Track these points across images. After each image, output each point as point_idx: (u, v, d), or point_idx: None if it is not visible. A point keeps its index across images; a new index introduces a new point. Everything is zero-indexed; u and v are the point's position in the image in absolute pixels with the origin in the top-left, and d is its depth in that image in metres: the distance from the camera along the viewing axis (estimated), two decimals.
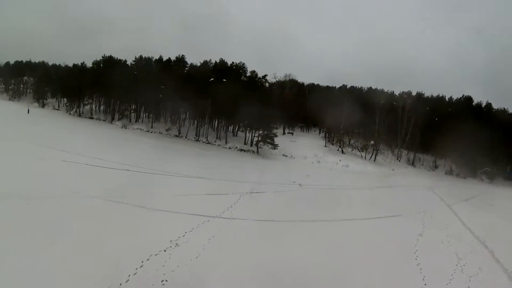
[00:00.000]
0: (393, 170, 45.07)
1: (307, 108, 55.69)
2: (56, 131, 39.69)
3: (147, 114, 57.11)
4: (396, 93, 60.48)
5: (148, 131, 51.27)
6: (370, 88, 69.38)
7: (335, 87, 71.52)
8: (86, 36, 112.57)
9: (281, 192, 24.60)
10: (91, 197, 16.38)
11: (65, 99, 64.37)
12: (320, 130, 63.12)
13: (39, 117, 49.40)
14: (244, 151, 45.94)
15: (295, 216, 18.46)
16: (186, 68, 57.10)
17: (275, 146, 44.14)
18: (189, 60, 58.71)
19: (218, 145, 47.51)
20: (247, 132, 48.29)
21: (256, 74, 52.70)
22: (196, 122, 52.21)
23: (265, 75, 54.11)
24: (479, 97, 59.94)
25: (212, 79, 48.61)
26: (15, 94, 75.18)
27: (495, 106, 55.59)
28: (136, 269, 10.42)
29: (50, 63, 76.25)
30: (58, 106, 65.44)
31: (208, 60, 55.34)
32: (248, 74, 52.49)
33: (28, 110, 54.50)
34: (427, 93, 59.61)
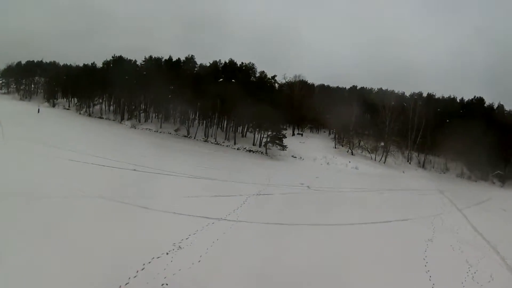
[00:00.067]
0: (403, 172, 44.55)
1: (317, 109, 55.26)
2: (65, 130, 40.09)
3: (156, 114, 57.34)
4: (407, 94, 59.84)
5: (157, 131, 51.57)
6: (380, 89, 68.24)
7: (345, 88, 70.96)
8: (85, 36, 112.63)
9: (289, 194, 24.38)
10: (95, 197, 16.34)
11: (75, 99, 65.25)
12: (329, 131, 62.59)
13: (49, 117, 50.00)
14: (253, 152, 45.85)
15: (302, 220, 18.17)
16: (196, 68, 57.27)
17: (284, 147, 43.98)
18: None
19: (227, 146, 47.53)
20: (256, 133, 48.16)
21: (266, 75, 52.74)
22: (205, 122, 52.30)
23: (274, 76, 54.07)
24: (491, 99, 58.35)
25: (221, 79, 48.63)
26: (26, 94, 76.06)
27: (507, 107, 54.60)
28: (137, 271, 10.29)
29: (61, 63, 77.20)
30: (69, 106, 66.18)
31: (217, 60, 55.47)
32: (257, 74, 52.43)
33: (39, 109, 54.97)
34: (438, 94, 58.61)
